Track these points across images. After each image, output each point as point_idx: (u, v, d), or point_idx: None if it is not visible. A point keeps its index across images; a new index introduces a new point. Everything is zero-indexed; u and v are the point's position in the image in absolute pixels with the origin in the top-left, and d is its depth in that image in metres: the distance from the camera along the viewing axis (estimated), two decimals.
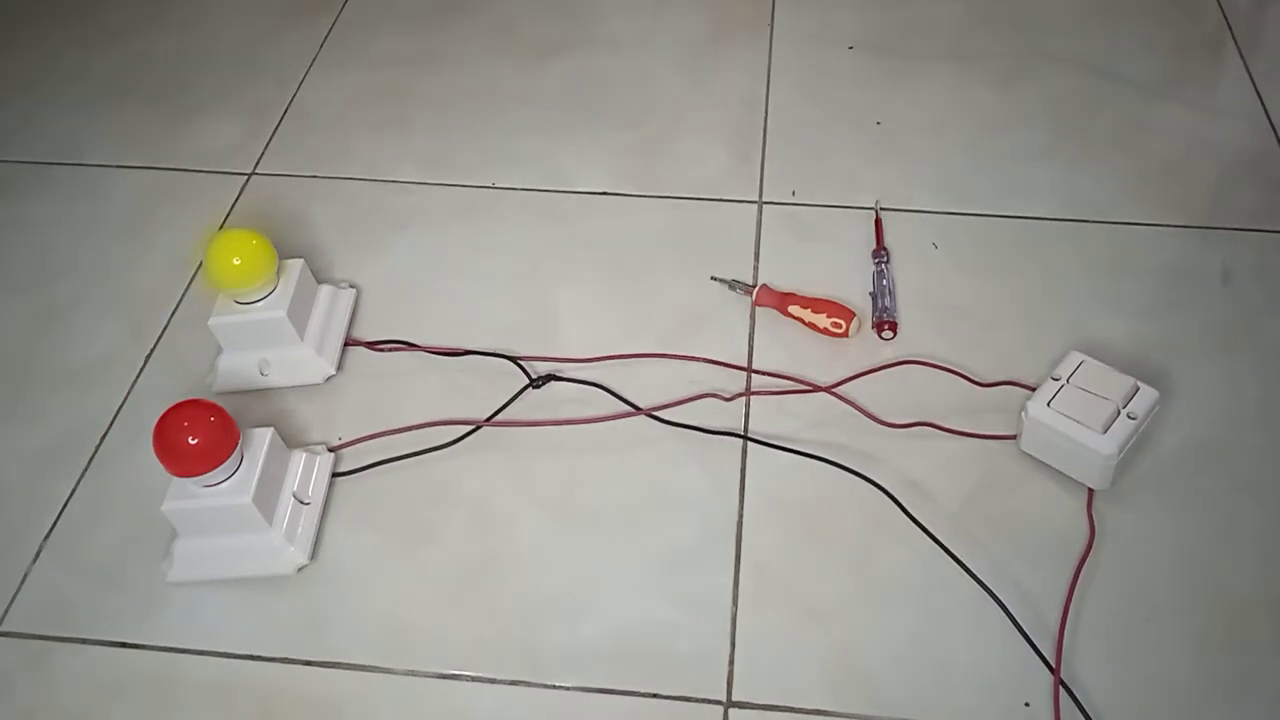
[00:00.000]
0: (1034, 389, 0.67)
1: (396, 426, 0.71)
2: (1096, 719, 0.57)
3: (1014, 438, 0.68)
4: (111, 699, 0.61)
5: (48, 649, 0.63)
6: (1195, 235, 0.81)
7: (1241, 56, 0.95)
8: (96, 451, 0.72)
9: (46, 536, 0.68)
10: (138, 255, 0.85)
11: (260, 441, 0.65)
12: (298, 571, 0.65)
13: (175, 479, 0.63)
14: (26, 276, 0.84)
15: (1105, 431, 0.63)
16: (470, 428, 0.71)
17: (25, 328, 0.81)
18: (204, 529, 0.64)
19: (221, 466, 0.61)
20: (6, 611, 0.65)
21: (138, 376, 0.77)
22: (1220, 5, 1.00)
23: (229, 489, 0.63)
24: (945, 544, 0.64)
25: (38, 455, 0.73)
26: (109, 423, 0.74)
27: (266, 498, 0.64)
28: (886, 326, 0.75)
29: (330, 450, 0.71)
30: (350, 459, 0.71)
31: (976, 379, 0.72)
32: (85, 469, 0.72)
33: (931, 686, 0.59)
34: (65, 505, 0.70)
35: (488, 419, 0.72)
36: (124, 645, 0.63)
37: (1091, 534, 0.64)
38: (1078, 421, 0.63)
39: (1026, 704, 0.58)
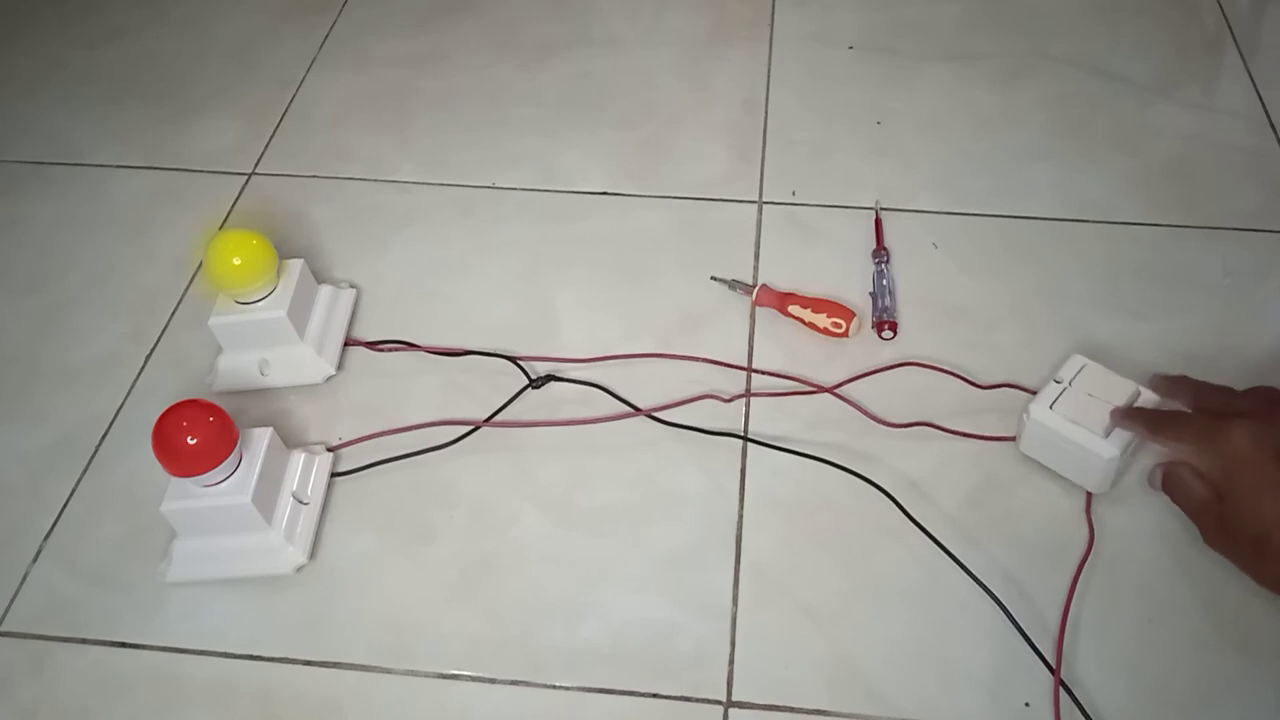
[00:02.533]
0: (1034, 391, 0.67)
1: (396, 426, 0.71)
2: (1096, 719, 0.57)
3: (1013, 439, 0.68)
4: (111, 699, 0.61)
5: (48, 649, 0.63)
6: (1195, 235, 0.81)
7: (1241, 56, 0.95)
8: (96, 451, 0.72)
9: (46, 536, 0.68)
10: (138, 255, 0.85)
11: (260, 441, 0.65)
12: (297, 571, 0.65)
13: (174, 479, 0.63)
14: (27, 276, 0.84)
15: (1107, 435, 0.63)
16: (470, 428, 0.71)
17: (25, 328, 0.81)
18: (203, 529, 0.64)
19: (220, 466, 0.61)
20: (6, 611, 0.65)
21: (138, 376, 0.77)
22: (1220, 5, 1.00)
23: (228, 489, 0.63)
24: (945, 544, 0.64)
25: (38, 455, 0.73)
26: (109, 423, 0.74)
27: (266, 498, 0.64)
28: (886, 326, 0.75)
29: (330, 450, 0.71)
30: (350, 459, 0.71)
31: (976, 380, 0.72)
32: (85, 469, 0.72)
33: (931, 686, 0.59)
34: (65, 505, 0.70)
35: (487, 419, 0.72)
36: (124, 645, 0.63)
37: (1091, 535, 0.64)
38: (1080, 425, 0.63)
39: (1026, 704, 0.58)
